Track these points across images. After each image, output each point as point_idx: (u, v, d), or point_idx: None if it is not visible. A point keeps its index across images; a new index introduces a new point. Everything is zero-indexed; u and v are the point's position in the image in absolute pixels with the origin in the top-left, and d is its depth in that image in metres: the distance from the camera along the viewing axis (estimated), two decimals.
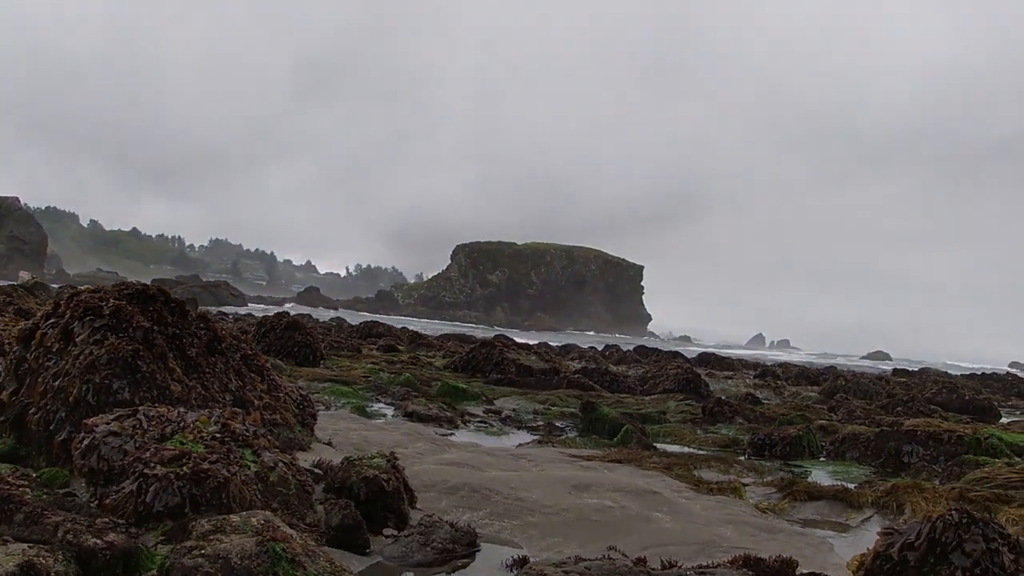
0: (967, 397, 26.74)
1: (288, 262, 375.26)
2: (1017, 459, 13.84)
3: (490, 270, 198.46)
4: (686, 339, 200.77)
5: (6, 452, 7.89)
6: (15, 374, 8.54)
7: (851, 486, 11.58)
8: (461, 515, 8.31)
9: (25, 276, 70.87)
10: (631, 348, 51.53)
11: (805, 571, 6.75)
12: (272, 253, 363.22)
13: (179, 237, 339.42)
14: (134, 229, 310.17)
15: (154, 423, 7.07)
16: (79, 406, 7.79)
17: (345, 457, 8.26)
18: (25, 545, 5.05)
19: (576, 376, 24.61)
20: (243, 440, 7.17)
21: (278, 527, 5.59)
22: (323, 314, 69.92)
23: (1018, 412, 30.12)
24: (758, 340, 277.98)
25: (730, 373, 38.07)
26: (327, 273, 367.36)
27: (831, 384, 30.68)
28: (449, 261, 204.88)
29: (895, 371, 54.69)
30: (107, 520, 5.81)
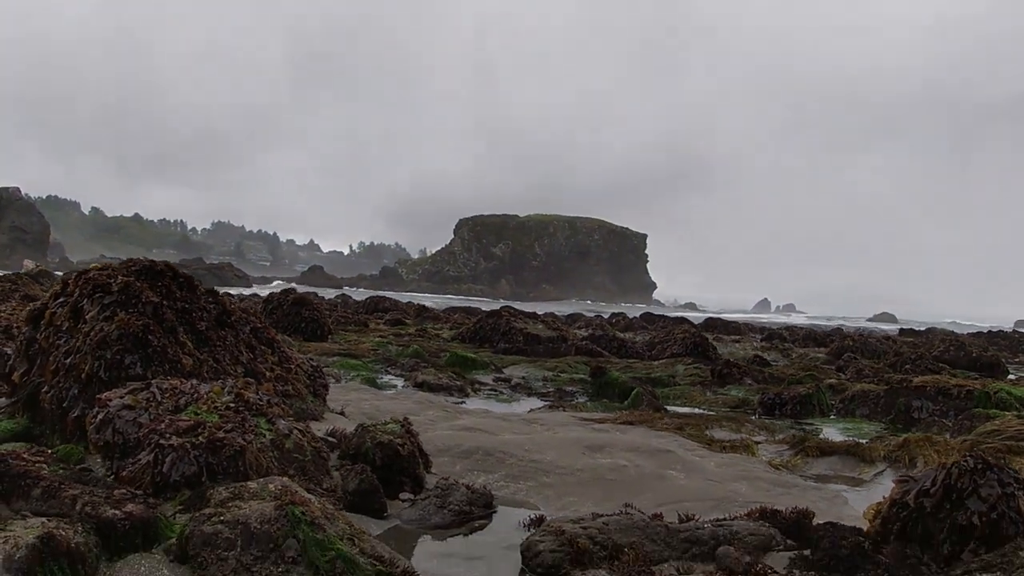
0: (974, 354, 26.68)
1: (291, 242, 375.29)
2: None
3: (493, 243, 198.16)
4: (691, 306, 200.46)
5: (20, 432, 7.90)
6: (26, 355, 8.54)
7: (863, 441, 11.58)
8: (476, 478, 8.33)
9: (29, 265, 70.84)
10: (637, 315, 51.46)
11: (821, 522, 6.75)
12: (275, 234, 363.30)
13: (181, 221, 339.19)
14: (136, 215, 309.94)
15: (168, 395, 7.08)
16: (91, 382, 7.79)
17: (359, 424, 8.26)
18: (44, 519, 5.06)
19: (584, 343, 24.61)
20: (257, 409, 7.18)
21: (296, 491, 5.61)
22: (328, 293, 69.88)
23: None
24: (763, 305, 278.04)
25: (737, 337, 38.07)
26: (331, 252, 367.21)
27: (839, 345, 30.65)
28: (452, 236, 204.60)
29: (902, 331, 54.55)
30: (125, 491, 5.81)
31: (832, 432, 13.26)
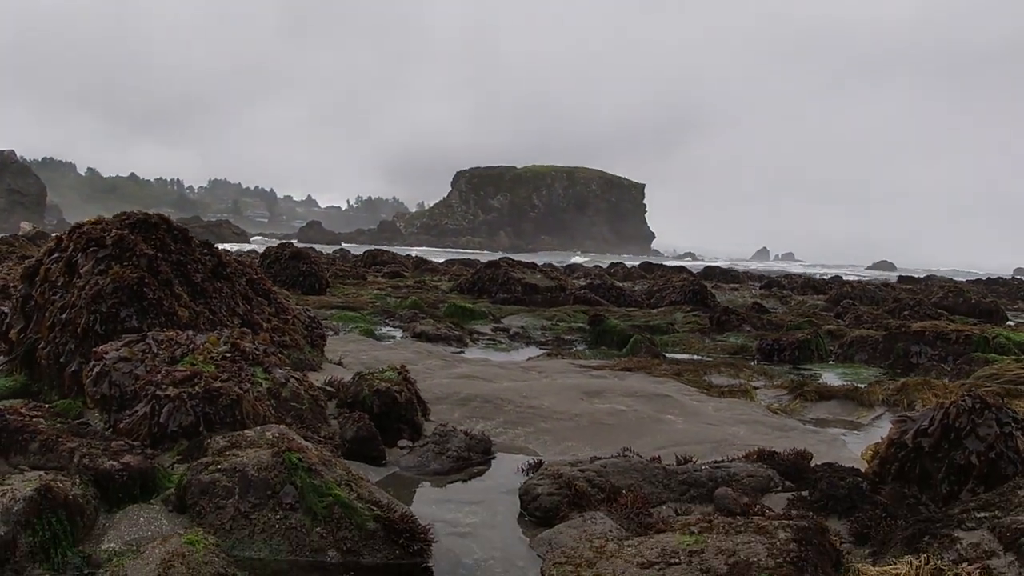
0: (973, 301, 26.67)
1: (289, 198, 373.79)
2: None
3: (491, 195, 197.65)
4: (690, 256, 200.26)
5: (18, 389, 7.88)
6: (22, 312, 8.50)
7: (861, 386, 11.59)
8: (475, 425, 8.34)
9: (27, 227, 70.57)
10: (636, 265, 51.38)
11: (819, 463, 6.76)
12: (272, 190, 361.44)
13: (178, 180, 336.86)
14: (132, 174, 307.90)
15: (164, 347, 7.05)
16: (88, 337, 7.76)
17: (356, 372, 8.27)
18: (42, 472, 5.05)
19: (583, 292, 24.58)
20: (253, 358, 7.16)
21: (293, 439, 5.60)
22: (326, 248, 69.76)
23: None
24: (762, 254, 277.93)
25: (736, 285, 38.08)
26: (328, 207, 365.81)
27: (837, 291, 30.66)
28: (450, 188, 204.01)
29: (900, 278, 54.49)
30: (122, 443, 5.81)
31: (831, 377, 13.27)
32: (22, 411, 6.18)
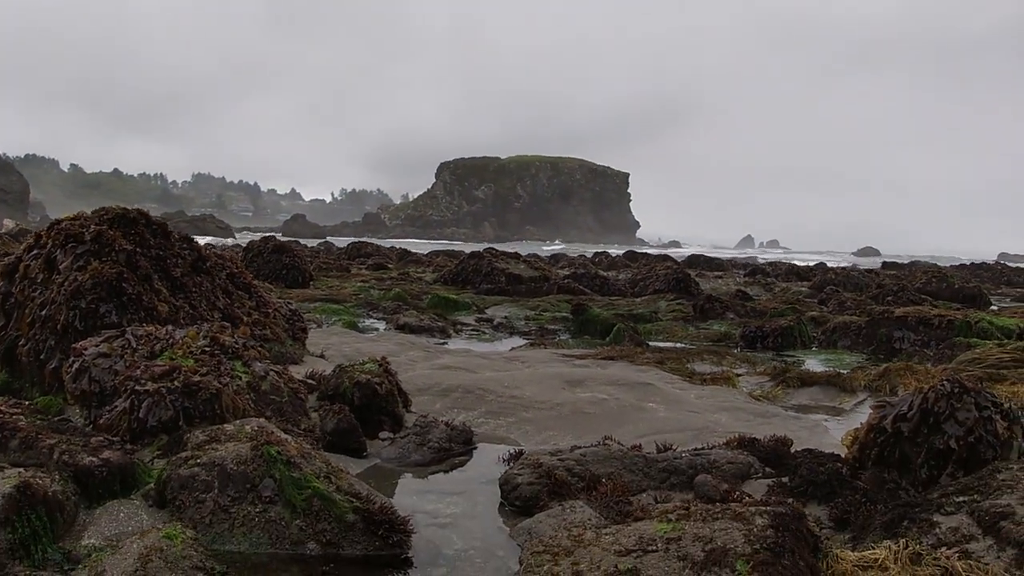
0: (957, 286, 26.74)
1: (273, 191, 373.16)
2: (1008, 341, 13.88)
3: (476, 186, 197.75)
4: (675, 244, 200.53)
5: None
6: (2, 309, 8.45)
7: (843, 372, 11.63)
8: (456, 415, 8.35)
9: (9, 224, 70.22)
10: (620, 254, 51.40)
11: (799, 449, 6.78)
12: (256, 184, 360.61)
13: (161, 174, 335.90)
14: (115, 170, 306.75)
15: (143, 342, 7.03)
16: (67, 333, 7.73)
17: (338, 365, 8.26)
18: (21, 469, 5.03)
19: (566, 281, 24.61)
20: (233, 352, 7.14)
21: (272, 432, 5.59)
22: (311, 241, 69.64)
23: (1008, 299, 30.20)
24: (747, 242, 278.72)
25: (720, 273, 38.14)
26: (313, 200, 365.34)
27: (821, 278, 30.74)
28: (434, 180, 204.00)
29: (884, 264, 54.61)
30: (102, 439, 5.78)
31: (814, 363, 13.32)
32: (2, 408, 6.17)
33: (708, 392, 10.07)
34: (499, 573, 4.88)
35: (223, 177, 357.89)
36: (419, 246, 75.29)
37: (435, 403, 8.81)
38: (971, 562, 4.25)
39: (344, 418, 7.04)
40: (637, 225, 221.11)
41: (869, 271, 40.07)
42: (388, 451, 7.14)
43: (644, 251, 60.79)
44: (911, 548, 4.35)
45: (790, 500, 5.19)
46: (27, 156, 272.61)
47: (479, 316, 18.43)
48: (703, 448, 6.77)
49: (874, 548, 4.47)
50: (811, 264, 54.99)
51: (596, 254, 53.31)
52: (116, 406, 6.31)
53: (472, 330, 16.53)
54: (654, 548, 4.20)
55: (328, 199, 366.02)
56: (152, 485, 5.31)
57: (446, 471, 6.93)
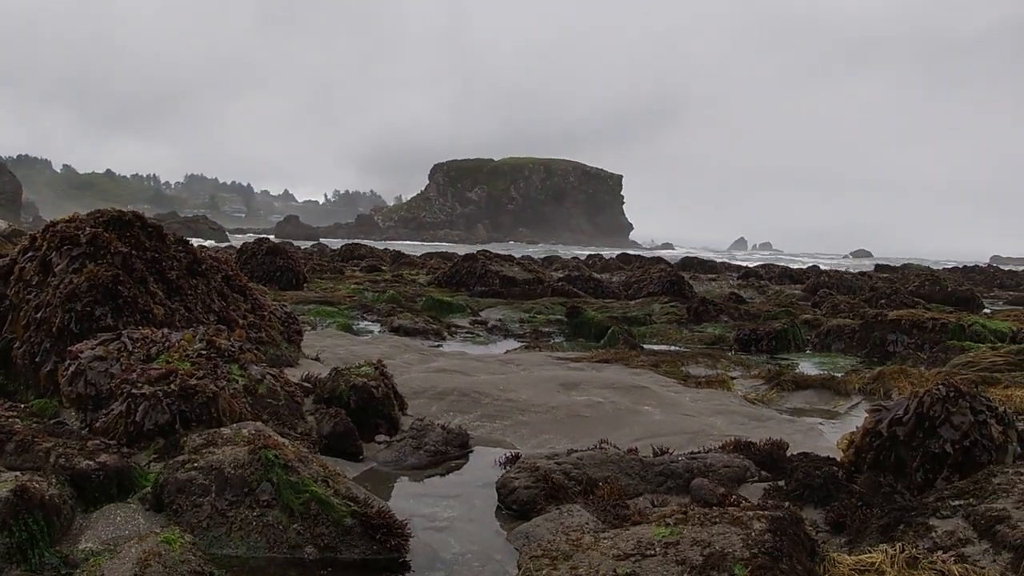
0: (950, 289, 26.78)
1: (266, 193, 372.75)
2: (1001, 344, 13.91)
3: (469, 188, 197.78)
4: (668, 246, 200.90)
5: None
6: None
7: (838, 375, 11.64)
8: (452, 419, 8.34)
9: (2, 225, 69.97)
10: (614, 256, 51.39)
11: (795, 453, 6.79)
12: (249, 185, 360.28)
13: (154, 175, 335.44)
14: (108, 171, 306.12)
15: (139, 345, 7.02)
16: (63, 335, 7.72)
17: (333, 368, 8.26)
18: (18, 473, 5.02)
19: (560, 284, 24.63)
20: (229, 355, 7.14)
21: (269, 436, 5.59)
22: (304, 243, 69.56)
23: (1000, 302, 30.26)
24: (740, 244, 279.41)
25: (714, 276, 38.13)
26: (306, 201, 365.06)
27: (814, 281, 30.74)
28: (428, 181, 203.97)
29: (877, 267, 54.62)
30: (98, 442, 5.78)
31: (808, 366, 13.34)
32: None
33: (703, 395, 10.08)
34: None
35: (216, 178, 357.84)
36: (412, 248, 75.22)
37: (431, 406, 8.81)
38: (967, 566, 4.26)
39: (340, 421, 7.05)
40: (630, 227, 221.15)
41: (862, 274, 40.11)
42: (385, 454, 7.14)
43: (637, 253, 60.77)
44: (907, 552, 4.36)
45: (787, 504, 5.20)
46: (19, 157, 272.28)
47: (473, 318, 18.42)
48: (699, 452, 6.79)
49: (870, 552, 4.49)
50: (804, 267, 55.07)
51: (589, 256, 53.27)
52: (112, 409, 6.30)
53: (467, 333, 16.53)
54: (652, 552, 4.21)
55: (321, 200, 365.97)
56: (149, 489, 5.31)
57: (443, 474, 6.93)
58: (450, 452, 7.28)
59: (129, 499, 5.29)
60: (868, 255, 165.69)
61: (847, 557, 4.48)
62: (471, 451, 7.52)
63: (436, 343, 14.84)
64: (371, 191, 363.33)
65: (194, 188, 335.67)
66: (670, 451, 6.81)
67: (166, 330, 7.47)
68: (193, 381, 6.41)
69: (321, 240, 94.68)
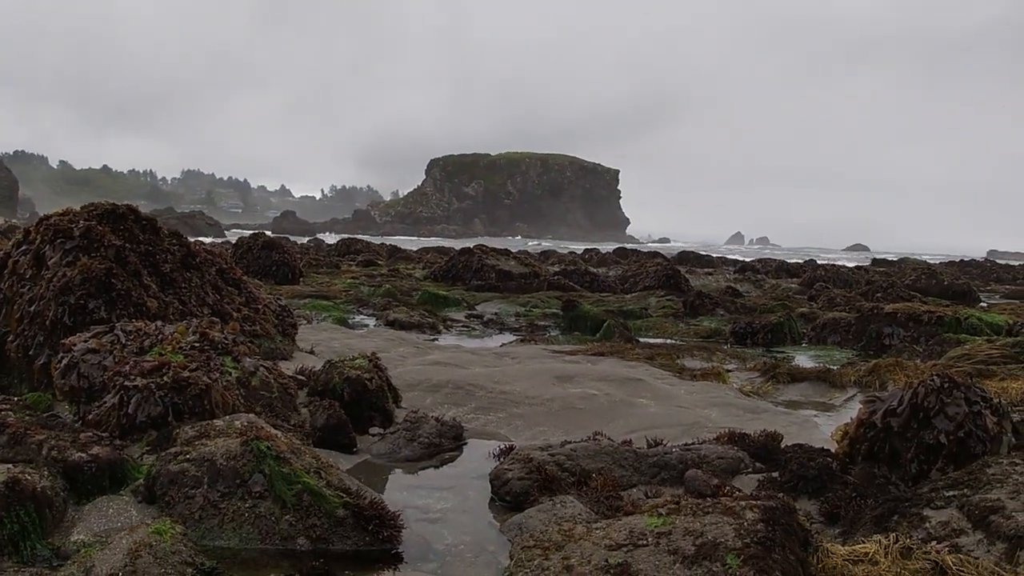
0: (946, 282, 26.77)
1: (262, 188, 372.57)
2: (997, 337, 13.91)
3: (466, 182, 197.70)
4: (665, 241, 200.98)
5: None
6: None
7: (833, 367, 11.65)
8: (446, 411, 8.33)
9: None
10: (610, 250, 51.38)
11: (789, 444, 6.79)
12: (246, 180, 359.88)
13: (151, 171, 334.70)
14: (104, 166, 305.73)
15: (132, 338, 7.01)
16: (56, 329, 7.71)
17: (327, 360, 8.25)
18: (10, 465, 5.01)
19: (556, 278, 24.60)
20: (222, 347, 7.13)
21: (262, 427, 5.57)
22: (301, 238, 69.58)
23: (997, 296, 30.27)
24: (737, 239, 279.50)
25: (710, 270, 38.15)
26: (302, 197, 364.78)
27: (811, 275, 30.76)
28: (424, 176, 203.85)
29: (874, 261, 54.67)
30: (91, 434, 5.77)
31: (803, 359, 13.34)
32: None
33: (698, 388, 10.08)
34: (489, 568, 4.88)
35: (213, 174, 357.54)
36: (409, 243, 75.18)
37: (425, 399, 8.80)
38: (961, 556, 4.25)
39: (334, 414, 7.03)
40: (627, 222, 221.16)
41: (859, 268, 40.12)
42: (378, 446, 7.13)
43: (634, 248, 60.73)
44: (901, 542, 4.36)
45: (780, 495, 5.19)
46: (16, 153, 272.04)
47: (469, 312, 18.42)
48: (693, 443, 6.78)
49: (864, 542, 4.48)
50: (801, 261, 55.07)
51: (586, 250, 53.34)
52: (105, 402, 6.28)
53: (462, 326, 16.52)
54: (644, 542, 4.20)
55: (318, 196, 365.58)
56: (141, 481, 5.29)
57: (436, 466, 6.92)
58: (444, 444, 7.26)
59: (122, 491, 5.27)
60: (865, 249, 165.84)
61: (841, 548, 4.47)
62: (465, 443, 7.51)
63: (432, 337, 14.83)
64: (368, 186, 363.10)
65: (191, 184, 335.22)
66: (664, 443, 6.80)
67: (159, 323, 7.45)
68: (186, 373, 6.39)
69: (317, 235, 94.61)
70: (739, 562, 3.94)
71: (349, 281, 23.51)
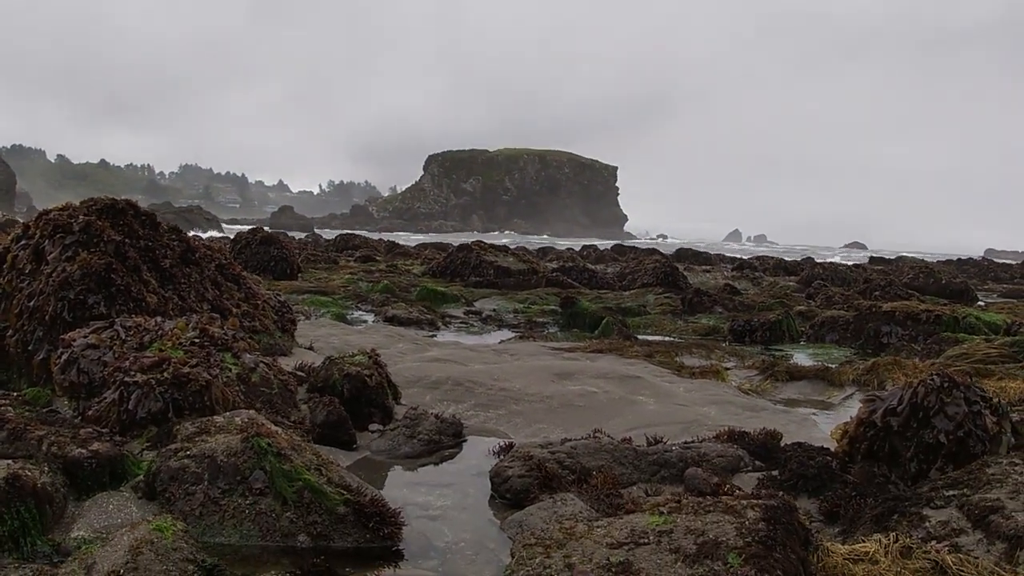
0: (944, 281, 26.78)
1: (260, 183, 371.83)
2: (995, 336, 13.92)
3: (464, 178, 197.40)
4: (663, 238, 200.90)
5: None
6: None
7: (832, 366, 11.65)
8: (446, 408, 8.33)
9: None
10: (608, 247, 51.38)
11: (789, 443, 6.79)
12: (243, 175, 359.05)
13: (148, 165, 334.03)
14: (102, 161, 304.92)
15: (132, 333, 7.00)
16: (56, 324, 7.71)
17: (327, 357, 8.24)
18: (9, 461, 5.00)
19: (555, 275, 24.61)
20: (222, 343, 7.12)
21: (262, 424, 5.57)
22: (299, 233, 69.49)
23: (995, 295, 30.29)
24: (735, 236, 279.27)
25: (708, 267, 38.15)
26: (300, 192, 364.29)
27: (809, 273, 30.74)
28: (422, 172, 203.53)
29: (872, 259, 54.68)
30: (91, 430, 5.76)
31: (802, 357, 13.33)
32: None
33: (697, 385, 10.08)
34: (490, 565, 4.88)
35: (211, 168, 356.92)
36: (407, 238, 75.14)
37: (425, 395, 8.80)
38: (961, 556, 4.26)
39: (334, 410, 7.03)
40: (625, 219, 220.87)
41: (856, 266, 40.09)
42: (378, 443, 7.13)
43: (632, 245, 60.75)
44: (901, 542, 4.36)
45: (781, 493, 5.19)
46: (13, 147, 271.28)
47: (468, 309, 18.42)
48: (693, 441, 6.79)
49: (864, 541, 4.48)
50: (799, 259, 55.05)
51: (584, 247, 53.29)
52: (105, 397, 6.28)
53: (461, 323, 16.53)
54: (646, 541, 4.20)
55: (316, 191, 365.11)
56: (142, 477, 5.28)
57: (436, 463, 6.93)
58: (444, 441, 7.27)
59: (122, 487, 5.27)
60: (863, 247, 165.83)
61: (841, 547, 4.47)
62: (465, 440, 7.52)
63: (430, 333, 14.83)
64: (366, 182, 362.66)
65: (188, 178, 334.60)
66: (664, 440, 6.80)
67: (159, 318, 7.45)
68: (186, 369, 6.39)
69: (316, 230, 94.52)
70: (740, 561, 3.95)
71: (347, 277, 23.49)
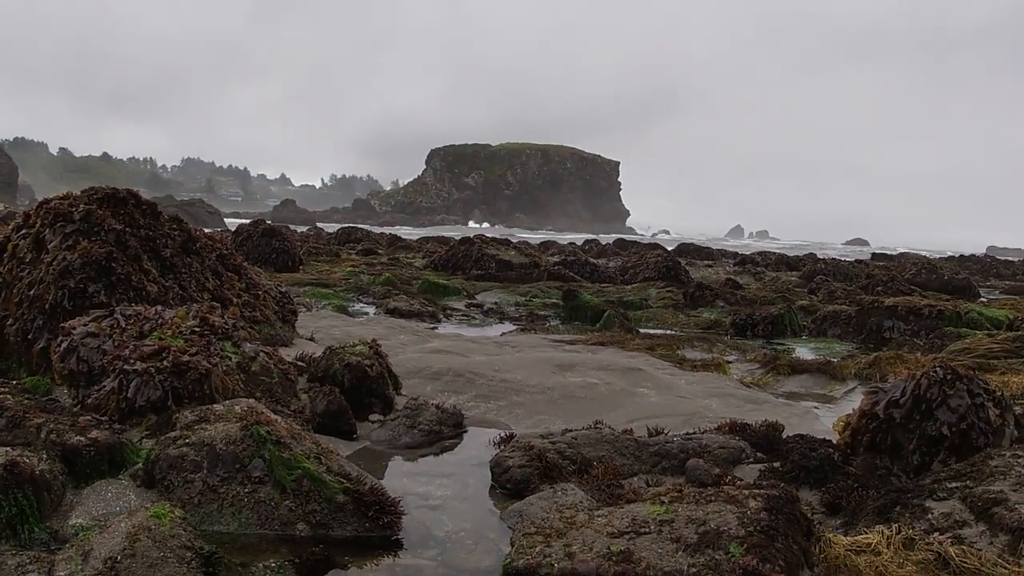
0: (946, 277, 26.74)
1: (262, 177, 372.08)
2: (997, 332, 13.89)
3: (466, 173, 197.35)
4: (665, 233, 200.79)
5: None
6: None
7: (834, 360, 11.62)
8: (447, 399, 8.31)
9: None
10: (610, 242, 51.32)
11: (791, 435, 6.77)
12: (246, 169, 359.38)
13: (151, 158, 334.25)
14: (104, 154, 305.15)
15: (132, 322, 6.98)
16: (56, 312, 7.69)
17: (327, 347, 8.22)
18: (8, 448, 4.98)
19: (556, 268, 24.58)
20: (223, 332, 7.10)
21: (262, 412, 5.55)
22: (301, 227, 69.47)
23: (997, 291, 30.26)
24: (737, 232, 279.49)
25: (710, 262, 38.05)
26: (302, 185, 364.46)
27: (811, 268, 30.69)
28: (424, 166, 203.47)
29: (874, 255, 54.64)
30: (90, 418, 5.75)
31: (804, 351, 13.30)
32: None
33: (698, 378, 10.05)
34: (490, 555, 4.85)
35: (213, 162, 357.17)
36: (409, 232, 75.08)
37: (425, 386, 8.78)
38: (964, 547, 4.24)
39: (334, 400, 7.01)
40: (627, 214, 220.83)
41: (859, 261, 40.11)
42: (378, 433, 7.11)
43: (634, 239, 60.67)
44: (904, 533, 4.34)
45: (782, 484, 5.17)
46: (16, 139, 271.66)
47: (469, 301, 18.40)
48: (694, 433, 6.76)
49: (866, 533, 4.46)
50: (801, 255, 54.98)
51: (586, 242, 53.24)
52: (104, 386, 6.27)
53: (462, 315, 16.51)
54: (647, 530, 4.18)
55: (318, 185, 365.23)
56: (140, 465, 5.27)
57: (436, 454, 6.91)
58: (444, 432, 7.25)
59: (120, 475, 5.25)
60: (864, 244, 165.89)
61: (843, 538, 4.45)
62: (465, 431, 7.50)
63: (432, 325, 14.81)
64: (368, 176, 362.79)
65: (191, 172, 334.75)
66: (665, 432, 6.78)
67: (159, 307, 7.43)
68: (186, 358, 6.37)
69: (318, 224, 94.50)
70: (742, 550, 3.92)
71: (349, 269, 23.49)
